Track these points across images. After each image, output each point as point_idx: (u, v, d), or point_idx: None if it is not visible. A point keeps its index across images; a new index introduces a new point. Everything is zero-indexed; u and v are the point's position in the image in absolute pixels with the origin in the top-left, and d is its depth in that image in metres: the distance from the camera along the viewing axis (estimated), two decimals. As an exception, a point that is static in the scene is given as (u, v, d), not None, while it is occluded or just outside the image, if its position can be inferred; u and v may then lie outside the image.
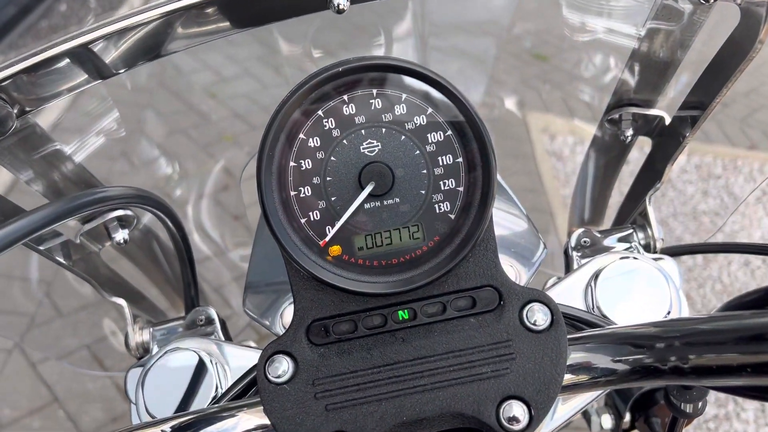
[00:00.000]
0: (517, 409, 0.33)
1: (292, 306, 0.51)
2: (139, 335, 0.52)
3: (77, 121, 0.49)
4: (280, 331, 0.50)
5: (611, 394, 0.66)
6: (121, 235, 0.53)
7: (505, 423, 0.33)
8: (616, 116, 0.55)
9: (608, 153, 0.58)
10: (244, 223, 2.00)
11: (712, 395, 2.01)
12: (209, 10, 0.43)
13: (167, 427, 0.35)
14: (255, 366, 0.40)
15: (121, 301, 0.51)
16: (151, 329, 0.53)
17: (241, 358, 0.47)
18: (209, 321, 0.52)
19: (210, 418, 0.35)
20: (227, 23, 0.45)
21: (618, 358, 0.35)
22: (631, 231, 0.52)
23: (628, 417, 0.63)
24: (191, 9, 0.42)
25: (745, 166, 2.97)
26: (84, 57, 0.42)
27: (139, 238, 0.55)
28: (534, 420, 0.33)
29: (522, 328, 0.34)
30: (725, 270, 2.40)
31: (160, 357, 0.47)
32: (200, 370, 0.46)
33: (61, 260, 0.51)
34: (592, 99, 0.62)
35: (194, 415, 0.36)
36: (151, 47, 0.44)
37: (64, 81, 0.44)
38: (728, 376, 0.32)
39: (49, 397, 1.75)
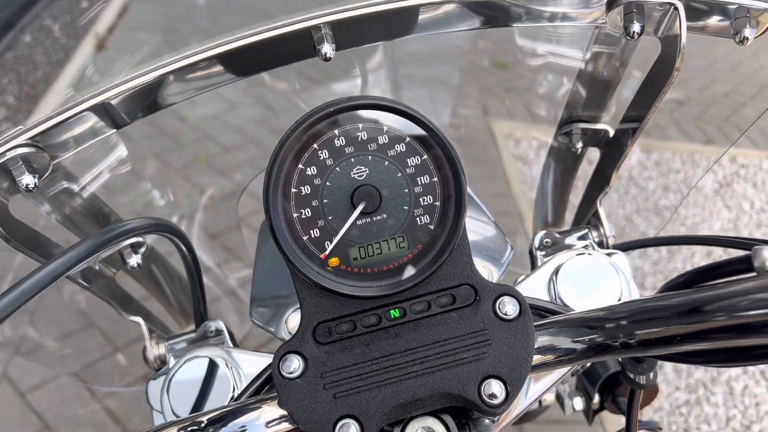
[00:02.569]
0: (495, 387, 0.39)
1: (294, 314, 0.56)
2: (156, 349, 0.57)
3: (91, 157, 0.54)
4: (285, 336, 0.55)
5: (581, 378, 0.73)
6: (134, 260, 0.58)
7: (486, 399, 0.38)
8: (568, 130, 0.62)
9: (563, 162, 0.65)
10: (221, 242, 2.04)
11: (682, 381, 2.10)
12: (212, 64, 0.48)
13: (204, 419, 0.40)
14: (268, 366, 0.45)
15: (138, 319, 0.56)
16: (166, 343, 0.58)
17: (251, 362, 0.52)
18: (218, 332, 0.57)
19: (236, 411, 0.41)
20: (227, 74, 0.51)
21: (577, 339, 0.42)
22: (586, 230, 0.59)
23: (597, 398, 0.70)
24: (198, 63, 0.47)
25: (702, 160, 3.10)
26: (105, 110, 0.47)
27: (146, 260, 0.60)
28: (510, 395, 0.39)
29: (496, 319, 0.40)
30: (689, 261, 2.51)
31: (181, 366, 0.52)
32: (217, 374, 0.51)
33: (86, 285, 0.56)
34: (548, 113, 0.68)
35: (224, 410, 0.41)
36: (160, 99, 0.49)
37: (89, 130, 0.49)
38: (666, 345, 0.38)
39: (40, 425, 1.77)
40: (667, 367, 2.11)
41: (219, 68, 0.50)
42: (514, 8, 0.51)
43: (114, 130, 0.51)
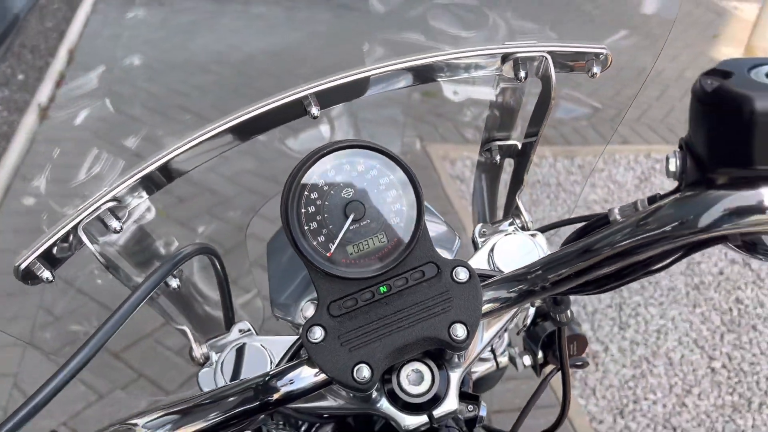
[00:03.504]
0: (459, 329, 0.55)
1: (305, 305, 0.72)
2: (200, 349, 0.71)
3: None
4: (301, 321, 0.70)
5: (526, 341, 0.90)
6: (174, 282, 0.72)
7: (454, 338, 0.55)
8: (489, 147, 0.80)
9: (489, 172, 0.83)
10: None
11: (627, 359, 2.31)
12: (230, 131, 0.64)
13: (261, 380, 0.55)
14: (295, 341, 0.60)
15: (185, 327, 0.70)
16: (207, 343, 0.72)
17: (277, 343, 0.67)
18: (247, 330, 0.72)
19: (284, 371, 0.56)
20: (232, 141, 0.67)
21: (511, 290, 0.59)
22: (511, 219, 0.77)
23: (540, 354, 0.88)
24: (223, 133, 0.63)
25: (622, 158, 3.39)
26: (150, 178, 0.62)
27: (183, 282, 0.73)
28: (470, 333, 0.55)
29: (454, 283, 0.57)
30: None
31: (228, 352, 0.67)
32: (257, 354, 0.66)
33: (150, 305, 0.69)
34: (473, 135, 0.86)
35: (277, 370, 0.56)
36: (178, 169, 0.65)
37: (149, 186, 0.64)
38: (570, 281, 0.56)
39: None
40: (613, 348, 2.33)
41: (230, 136, 0.66)
42: (439, 68, 0.69)
43: (155, 192, 0.66)
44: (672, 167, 0.50)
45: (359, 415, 0.67)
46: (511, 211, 0.78)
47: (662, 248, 0.50)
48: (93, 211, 0.61)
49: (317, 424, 0.67)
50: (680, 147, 0.50)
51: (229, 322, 0.74)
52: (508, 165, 0.81)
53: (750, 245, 0.50)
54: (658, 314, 2.45)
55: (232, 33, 4.39)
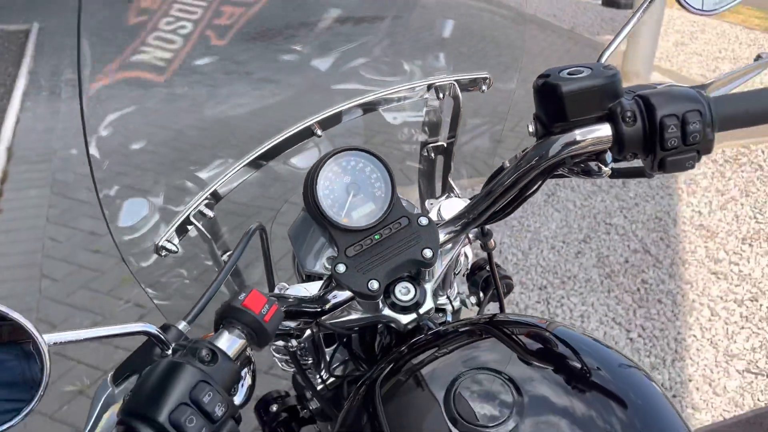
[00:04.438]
0: (428, 252, 0.86)
1: (328, 260, 1.01)
2: None
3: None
4: (325, 271, 0.98)
5: (471, 288, 1.22)
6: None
7: (424, 258, 0.85)
8: (426, 147, 1.13)
9: (428, 165, 1.16)
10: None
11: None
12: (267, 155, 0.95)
13: (315, 298, 0.84)
14: (328, 276, 0.89)
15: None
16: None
17: (310, 287, 0.96)
18: (287, 287, 1.00)
19: (323, 295, 0.84)
20: (266, 160, 0.97)
21: (456, 225, 0.90)
22: (448, 194, 1.09)
23: (482, 295, 1.20)
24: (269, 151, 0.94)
25: (530, 181, 3.83)
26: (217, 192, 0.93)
27: None
28: (434, 255, 0.86)
29: (419, 227, 0.87)
30: (539, 220, 3.15)
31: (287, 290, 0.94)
32: (302, 296, 0.94)
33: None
34: (414, 141, 1.18)
35: (317, 295, 0.84)
36: (228, 188, 0.95)
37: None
38: (486, 212, 0.88)
39: None
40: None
41: (266, 157, 0.96)
42: (390, 99, 1.03)
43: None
44: (531, 129, 0.84)
45: (367, 330, 0.97)
46: (447, 188, 1.11)
47: (532, 175, 0.83)
48: (196, 206, 0.91)
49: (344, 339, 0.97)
50: (533, 118, 0.85)
51: (272, 284, 1.03)
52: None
53: (584, 171, 0.84)
54: (579, 302, 2.84)
55: (157, 115, 4.65)
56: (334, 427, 1.05)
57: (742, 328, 2.67)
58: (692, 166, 0.73)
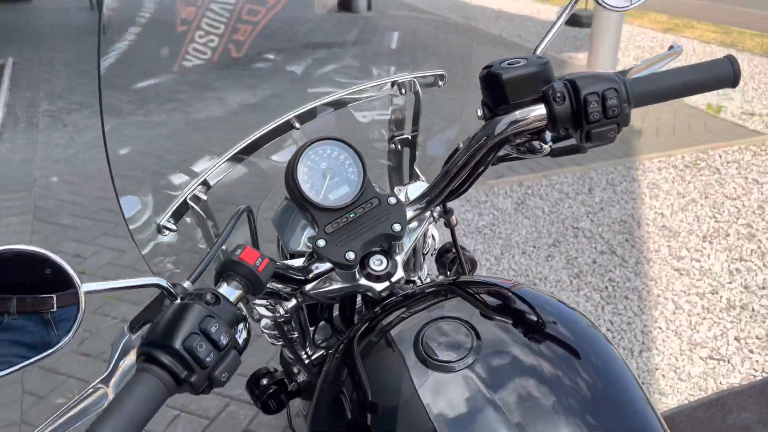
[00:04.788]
0: (396, 226, 0.97)
1: (303, 237, 1.12)
2: None
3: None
4: (306, 249, 1.08)
5: (438, 267, 1.33)
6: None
7: (394, 232, 0.96)
8: (393, 140, 1.25)
9: (395, 156, 1.28)
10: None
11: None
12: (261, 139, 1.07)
13: (300, 267, 0.95)
14: (310, 252, 1.00)
15: None
16: None
17: (296, 263, 1.06)
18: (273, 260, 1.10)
19: (306, 266, 0.95)
20: (256, 148, 1.08)
21: (421, 202, 1.03)
22: (414, 180, 1.21)
23: (448, 272, 1.31)
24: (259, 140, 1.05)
25: (500, 190, 3.99)
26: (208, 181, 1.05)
27: None
28: (403, 228, 0.97)
29: (389, 205, 0.98)
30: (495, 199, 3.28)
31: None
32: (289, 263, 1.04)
33: None
34: (383, 136, 1.31)
35: (302, 265, 0.95)
36: (220, 175, 1.06)
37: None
38: (446, 190, 1.00)
39: None
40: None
41: (257, 144, 1.07)
42: (360, 94, 1.16)
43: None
44: (479, 113, 0.97)
45: (347, 303, 1.08)
46: (413, 175, 1.24)
47: (482, 152, 0.95)
48: (191, 191, 1.02)
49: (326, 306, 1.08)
50: (481, 104, 0.97)
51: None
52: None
53: (529, 149, 0.97)
54: (550, 301, 2.96)
55: (135, 141, 4.73)
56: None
57: (704, 318, 2.81)
58: (613, 137, 0.86)
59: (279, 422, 2.17)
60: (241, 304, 0.80)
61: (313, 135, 1.02)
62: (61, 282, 0.67)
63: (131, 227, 1.01)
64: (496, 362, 0.81)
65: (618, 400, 0.81)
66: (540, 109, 0.88)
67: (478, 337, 0.83)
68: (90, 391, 0.73)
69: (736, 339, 2.68)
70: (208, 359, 0.65)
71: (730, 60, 0.87)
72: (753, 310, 2.86)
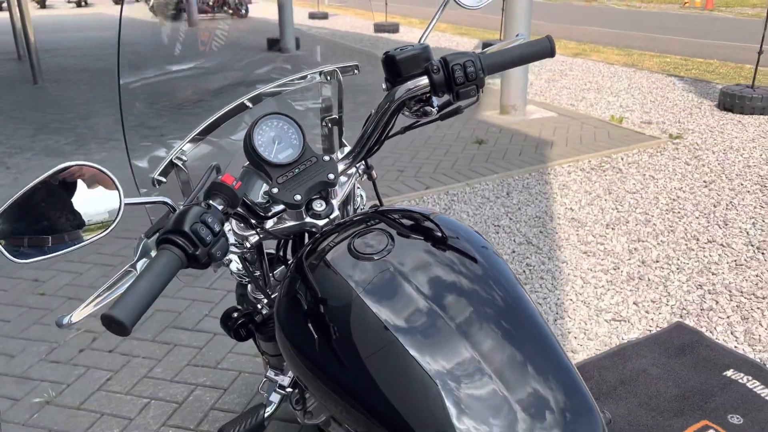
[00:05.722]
0: (331, 175, 1.28)
1: (262, 191, 1.44)
2: None
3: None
4: (262, 200, 1.39)
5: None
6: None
7: (330, 179, 1.28)
8: (325, 120, 1.58)
9: (327, 132, 1.60)
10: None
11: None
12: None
13: (262, 204, 1.28)
14: (268, 199, 1.32)
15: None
16: None
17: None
18: None
19: (267, 204, 1.29)
20: (216, 126, 1.41)
21: (347, 159, 1.36)
22: (342, 149, 1.56)
23: None
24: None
25: (429, 198, 4.37)
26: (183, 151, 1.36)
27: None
28: (336, 177, 1.28)
29: (324, 162, 1.27)
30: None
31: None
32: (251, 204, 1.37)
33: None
34: (317, 118, 1.63)
35: (263, 206, 1.28)
36: (192, 148, 1.37)
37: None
38: (366, 148, 1.34)
39: None
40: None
41: (217, 123, 1.39)
42: (294, 84, 1.50)
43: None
44: (384, 87, 1.31)
45: (297, 239, 1.41)
46: (341, 145, 1.58)
47: (387, 115, 1.29)
48: (175, 154, 1.33)
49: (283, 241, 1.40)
50: (384, 80, 1.32)
51: None
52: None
53: (423, 113, 1.33)
54: (477, 286, 3.33)
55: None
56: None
57: (608, 290, 3.23)
58: (475, 95, 1.23)
59: (241, 400, 2.44)
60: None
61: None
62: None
63: (138, 180, 1.32)
64: (406, 254, 1.14)
65: (500, 287, 1.07)
66: (424, 80, 1.24)
67: (392, 240, 1.16)
68: (121, 274, 1.03)
69: (635, 303, 3.10)
70: (207, 239, 0.96)
71: (549, 39, 1.26)
72: (648, 279, 3.30)
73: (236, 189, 1.07)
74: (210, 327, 2.91)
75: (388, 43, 11.86)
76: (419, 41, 1.33)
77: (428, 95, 1.28)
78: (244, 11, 17.53)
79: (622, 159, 5.09)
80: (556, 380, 0.99)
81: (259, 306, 1.51)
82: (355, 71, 1.54)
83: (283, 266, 1.49)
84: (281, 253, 1.47)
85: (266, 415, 1.51)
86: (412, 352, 0.97)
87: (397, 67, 1.24)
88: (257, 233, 1.30)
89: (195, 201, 1.04)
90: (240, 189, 1.08)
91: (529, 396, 0.95)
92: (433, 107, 1.32)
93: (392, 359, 0.97)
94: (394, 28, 13.18)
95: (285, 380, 1.45)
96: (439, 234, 1.18)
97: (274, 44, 11.29)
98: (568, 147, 5.38)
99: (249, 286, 1.53)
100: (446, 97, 1.29)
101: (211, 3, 17.36)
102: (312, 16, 17.73)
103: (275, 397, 1.46)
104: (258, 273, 1.45)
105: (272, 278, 1.49)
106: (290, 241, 1.44)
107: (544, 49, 1.25)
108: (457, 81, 1.21)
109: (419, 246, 1.14)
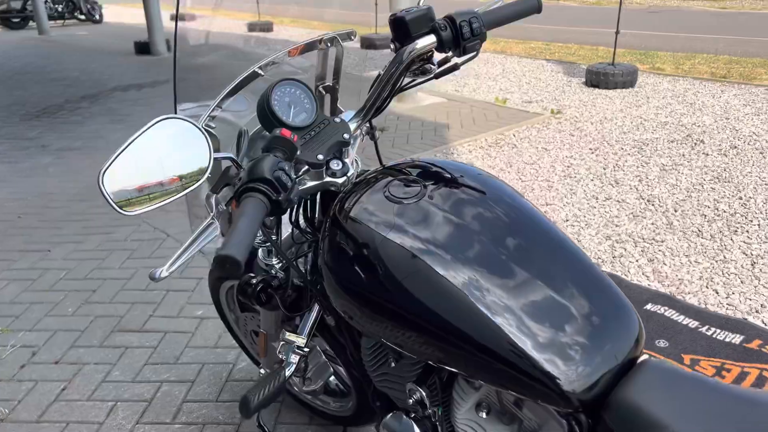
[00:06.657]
0: (346, 135, 1.32)
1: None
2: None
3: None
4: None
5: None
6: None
7: (345, 138, 1.33)
8: (320, 88, 1.65)
9: (321, 99, 1.67)
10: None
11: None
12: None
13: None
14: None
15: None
16: None
17: None
18: None
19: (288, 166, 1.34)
20: (241, 88, 1.43)
21: (357, 118, 1.42)
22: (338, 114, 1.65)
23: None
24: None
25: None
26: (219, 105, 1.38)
27: None
28: (350, 137, 1.35)
29: (337, 123, 1.33)
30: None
31: None
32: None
33: None
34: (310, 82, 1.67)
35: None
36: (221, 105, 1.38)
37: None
38: (375, 107, 1.43)
39: None
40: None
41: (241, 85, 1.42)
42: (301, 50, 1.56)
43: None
44: (392, 47, 1.42)
45: (308, 205, 1.46)
46: (336, 111, 1.65)
47: (396, 74, 1.39)
48: (205, 122, 1.34)
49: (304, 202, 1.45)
50: (391, 41, 1.42)
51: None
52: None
53: (422, 72, 1.43)
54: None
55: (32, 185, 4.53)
56: (291, 295, 1.52)
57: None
58: (479, 48, 1.36)
59: (213, 389, 2.43)
60: None
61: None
62: None
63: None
64: (441, 194, 1.25)
65: (527, 214, 1.23)
66: (431, 38, 1.35)
67: (424, 186, 1.27)
68: (202, 228, 1.06)
69: (557, 258, 3.38)
70: (288, 184, 1.02)
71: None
72: (564, 236, 3.61)
73: (294, 141, 1.13)
74: (159, 326, 2.84)
75: (266, 41, 11.79)
76: (417, 4, 1.44)
77: (429, 54, 1.39)
78: (97, 16, 16.60)
79: (514, 135, 5.46)
80: (592, 283, 1.14)
81: (273, 271, 1.56)
82: (353, 37, 1.62)
83: (293, 229, 1.55)
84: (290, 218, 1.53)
85: (287, 375, 1.56)
86: (454, 269, 1.10)
87: (406, 27, 1.34)
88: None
89: (264, 155, 1.09)
90: (297, 143, 1.14)
91: (569, 294, 1.11)
92: (434, 65, 1.43)
93: (431, 279, 1.10)
94: (267, 27, 13.13)
95: (302, 341, 1.51)
96: (464, 176, 1.31)
97: (143, 48, 10.84)
98: (464, 128, 5.68)
99: (259, 253, 1.57)
100: (443, 56, 1.41)
101: (60, 9, 16.29)
102: (174, 18, 17.13)
103: (294, 358, 1.52)
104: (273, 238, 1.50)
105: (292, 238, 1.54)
106: (301, 205, 1.51)
107: (533, 6, 1.41)
108: (464, 36, 1.33)
109: (451, 184, 1.27)
